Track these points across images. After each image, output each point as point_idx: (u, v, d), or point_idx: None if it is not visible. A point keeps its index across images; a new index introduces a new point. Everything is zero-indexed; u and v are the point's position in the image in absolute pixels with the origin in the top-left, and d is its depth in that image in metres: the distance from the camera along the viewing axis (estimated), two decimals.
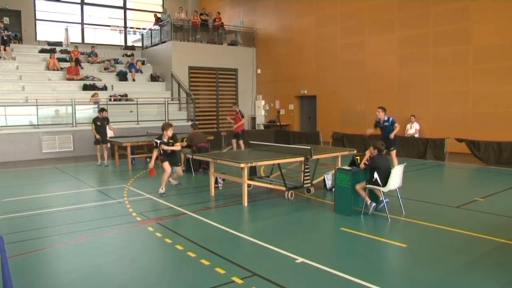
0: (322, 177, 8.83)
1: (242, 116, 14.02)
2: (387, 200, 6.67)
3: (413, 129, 14.59)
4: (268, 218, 6.94)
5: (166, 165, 8.46)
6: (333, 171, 7.74)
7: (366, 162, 6.74)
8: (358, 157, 7.13)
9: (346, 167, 7.06)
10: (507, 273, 4.53)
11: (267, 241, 5.50)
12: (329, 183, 8.58)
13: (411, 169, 10.81)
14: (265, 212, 7.29)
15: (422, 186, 9.17)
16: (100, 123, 12.42)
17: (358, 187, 6.74)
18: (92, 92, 16.43)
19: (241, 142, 13.70)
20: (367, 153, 6.83)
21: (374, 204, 6.69)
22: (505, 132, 12.43)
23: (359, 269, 4.60)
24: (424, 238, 5.73)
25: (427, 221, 6.36)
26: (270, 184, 8.31)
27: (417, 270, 4.64)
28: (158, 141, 8.34)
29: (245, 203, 7.48)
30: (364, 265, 4.78)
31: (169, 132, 8.40)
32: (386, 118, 9.73)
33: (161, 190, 8.37)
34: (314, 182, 8.57)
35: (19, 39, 19.20)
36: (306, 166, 7.97)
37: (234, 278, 4.36)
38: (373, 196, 6.88)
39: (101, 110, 12.78)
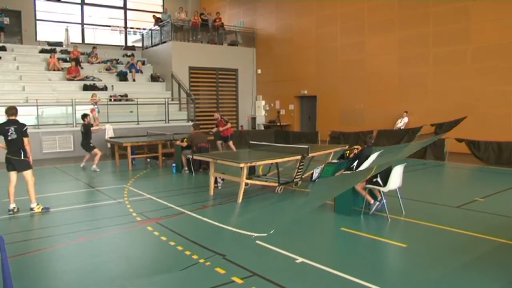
0: (311, 171, 9.33)
1: (226, 122, 13.74)
2: (376, 202, 6.72)
3: (401, 122, 14.96)
4: (268, 218, 6.94)
5: None
6: (323, 165, 8.46)
7: (355, 152, 7.32)
8: (348, 152, 7.57)
9: (335, 161, 7.63)
10: (507, 273, 4.52)
11: (267, 241, 5.49)
12: (315, 175, 9.13)
13: (411, 169, 10.79)
14: (265, 212, 7.29)
15: (422, 186, 9.16)
16: (83, 130, 11.54)
17: (359, 187, 6.74)
18: (92, 92, 16.41)
19: (230, 143, 13.71)
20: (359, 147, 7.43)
21: (377, 202, 6.69)
22: (505, 132, 12.41)
23: (359, 269, 4.60)
24: (424, 238, 5.72)
25: (427, 221, 6.35)
26: (266, 181, 8.60)
27: (417, 270, 4.64)
28: None
29: (239, 200, 7.69)
30: (364, 265, 4.78)
31: None
32: None
33: None
34: (304, 176, 9.01)
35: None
36: (301, 164, 8.40)
37: (234, 278, 4.35)
38: (373, 195, 6.89)
39: (83, 116, 11.69)
